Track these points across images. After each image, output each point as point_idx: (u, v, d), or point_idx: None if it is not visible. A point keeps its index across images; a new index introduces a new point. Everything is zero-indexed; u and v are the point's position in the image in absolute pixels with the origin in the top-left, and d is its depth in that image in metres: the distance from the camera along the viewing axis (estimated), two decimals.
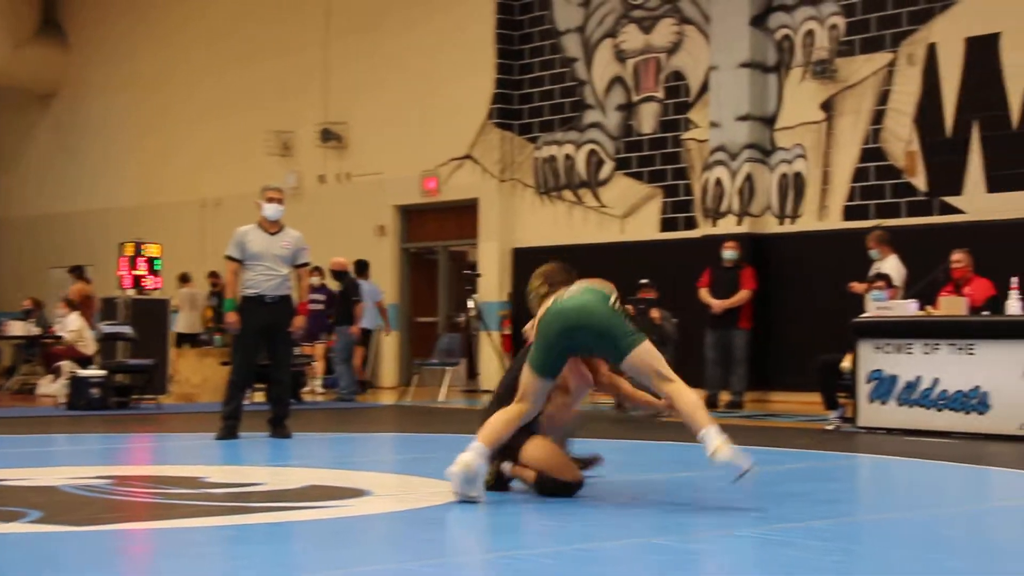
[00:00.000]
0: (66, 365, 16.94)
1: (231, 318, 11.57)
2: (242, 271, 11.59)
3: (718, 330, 16.69)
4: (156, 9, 27.94)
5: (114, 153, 28.53)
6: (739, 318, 16.71)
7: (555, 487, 7.22)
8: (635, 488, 8.08)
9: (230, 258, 11.63)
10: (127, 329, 16.79)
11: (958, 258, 13.35)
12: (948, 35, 16.59)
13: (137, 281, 18.00)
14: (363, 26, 23.50)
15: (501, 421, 7.09)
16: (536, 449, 7.29)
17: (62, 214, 29.41)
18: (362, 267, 19.61)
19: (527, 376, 7.08)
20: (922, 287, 13.95)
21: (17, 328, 20.66)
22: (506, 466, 7.37)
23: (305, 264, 11.96)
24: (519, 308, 21.07)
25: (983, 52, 16.24)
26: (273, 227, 11.68)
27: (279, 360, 11.83)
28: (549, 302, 7.19)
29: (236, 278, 11.66)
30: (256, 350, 11.77)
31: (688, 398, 6.90)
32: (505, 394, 7.40)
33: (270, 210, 11.65)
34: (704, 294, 16.76)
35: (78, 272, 22.75)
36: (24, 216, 30.68)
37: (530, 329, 7.32)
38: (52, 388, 17.28)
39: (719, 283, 16.73)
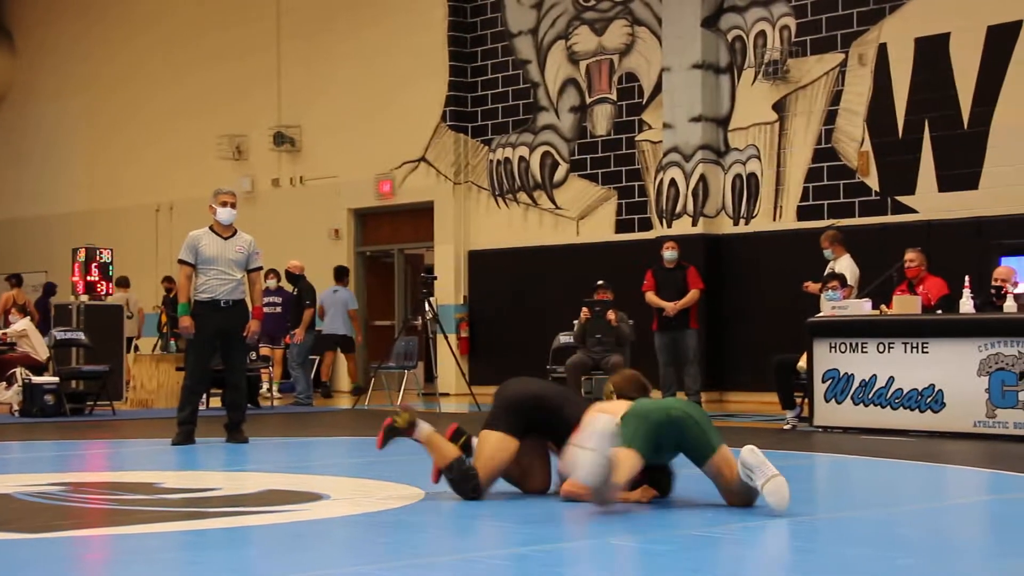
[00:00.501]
0: (19, 372, 16.80)
1: (185, 322, 11.53)
2: (196, 275, 11.55)
3: (668, 331, 16.46)
4: (107, 15, 27.72)
5: (66, 158, 28.29)
6: (689, 318, 16.58)
7: (460, 478, 7.19)
8: None
9: (183, 262, 11.58)
10: (81, 335, 16.69)
11: (911, 257, 13.43)
12: (898, 35, 16.70)
13: (91, 287, 17.88)
14: (315, 29, 23.42)
15: (629, 463, 6.78)
16: (487, 444, 7.24)
17: (14, 220, 29.13)
18: (340, 273, 19.63)
19: (632, 457, 6.78)
20: (876, 286, 14.04)
21: None
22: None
23: (259, 268, 11.93)
24: (475, 310, 21.10)
25: (933, 52, 16.35)
26: (226, 231, 11.65)
27: (234, 365, 11.81)
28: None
29: (189, 282, 11.60)
30: (211, 355, 11.75)
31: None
32: (534, 409, 7.32)
33: (223, 214, 11.62)
34: (652, 297, 16.36)
35: (15, 280, 22.57)
36: None
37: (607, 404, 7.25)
38: (5, 395, 17.12)
39: (665, 285, 16.41)
